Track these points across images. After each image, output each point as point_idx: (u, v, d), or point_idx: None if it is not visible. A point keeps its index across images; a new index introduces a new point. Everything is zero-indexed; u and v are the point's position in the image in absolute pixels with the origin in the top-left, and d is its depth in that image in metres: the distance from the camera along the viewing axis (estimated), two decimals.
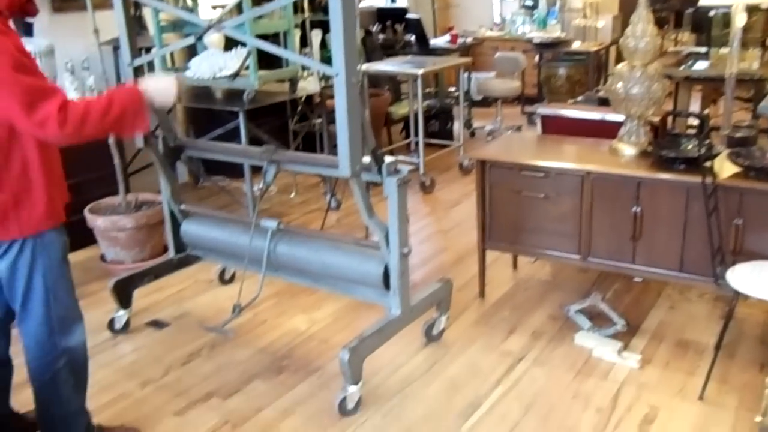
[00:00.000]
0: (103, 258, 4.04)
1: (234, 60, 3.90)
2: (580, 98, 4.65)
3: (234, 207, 4.60)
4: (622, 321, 3.10)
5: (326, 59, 3.27)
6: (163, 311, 3.52)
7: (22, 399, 2.46)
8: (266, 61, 4.15)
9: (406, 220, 2.71)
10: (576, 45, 7.30)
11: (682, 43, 6.50)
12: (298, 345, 3.17)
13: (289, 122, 5.42)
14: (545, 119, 3.80)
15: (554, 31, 7.77)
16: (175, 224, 3.42)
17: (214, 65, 3.92)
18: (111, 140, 3.84)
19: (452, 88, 7.29)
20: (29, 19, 3.38)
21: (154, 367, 3.02)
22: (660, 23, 3.61)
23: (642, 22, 2.98)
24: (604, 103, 3.90)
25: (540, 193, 3.18)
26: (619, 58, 6.69)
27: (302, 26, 4.63)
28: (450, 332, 3.19)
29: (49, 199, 2.13)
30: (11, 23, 2.07)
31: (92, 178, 4.17)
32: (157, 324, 3.40)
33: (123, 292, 3.29)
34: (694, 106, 5.62)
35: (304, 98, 5.22)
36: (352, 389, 2.63)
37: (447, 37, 7.73)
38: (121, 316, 3.31)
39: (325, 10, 3.26)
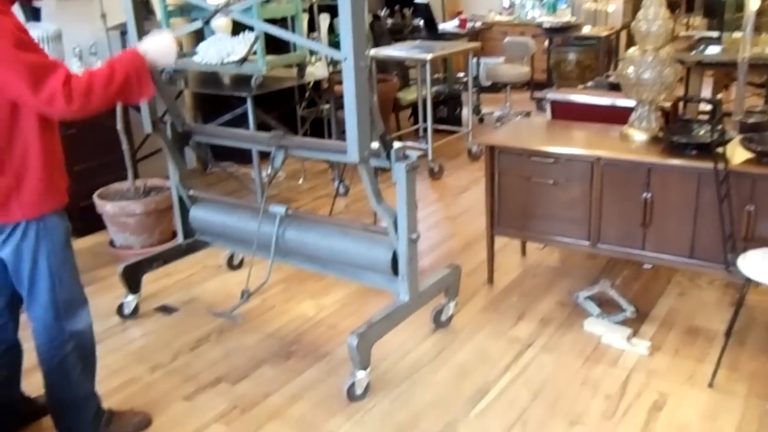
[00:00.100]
0: (112, 243, 4.05)
1: (242, 45, 3.88)
2: (590, 83, 4.61)
3: (242, 193, 4.60)
4: (632, 308, 3.08)
5: (334, 44, 3.26)
6: (171, 296, 3.53)
7: (33, 383, 2.47)
8: (274, 46, 4.13)
9: (414, 206, 2.70)
10: (586, 29, 7.24)
11: (694, 27, 6.44)
12: (307, 330, 3.18)
13: (297, 108, 5.40)
14: (555, 105, 3.77)
15: (564, 16, 7.71)
16: (183, 210, 3.42)
17: (221, 50, 3.90)
18: (119, 126, 3.84)
19: (461, 74, 7.25)
20: (37, 4, 3.40)
21: (163, 352, 3.03)
22: (672, 7, 3.56)
23: (654, 6, 2.95)
24: (614, 88, 3.86)
25: (549, 179, 3.16)
26: (630, 43, 6.62)
27: (310, 10, 4.60)
28: (458, 318, 3.19)
29: (51, 181, 2.13)
30: (17, 7, 2.06)
31: (101, 163, 4.18)
32: (165, 309, 3.41)
33: (132, 278, 3.30)
34: (706, 92, 5.57)
35: (312, 84, 5.20)
36: (361, 375, 2.63)
37: (456, 22, 7.67)
38: (130, 301, 3.32)
39: None
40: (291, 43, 4.31)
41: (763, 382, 2.63)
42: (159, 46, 2.25)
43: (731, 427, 2.43)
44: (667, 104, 3.29)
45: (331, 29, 4.89)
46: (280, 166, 2.96)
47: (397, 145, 2.65)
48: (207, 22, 3.02)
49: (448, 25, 7.65)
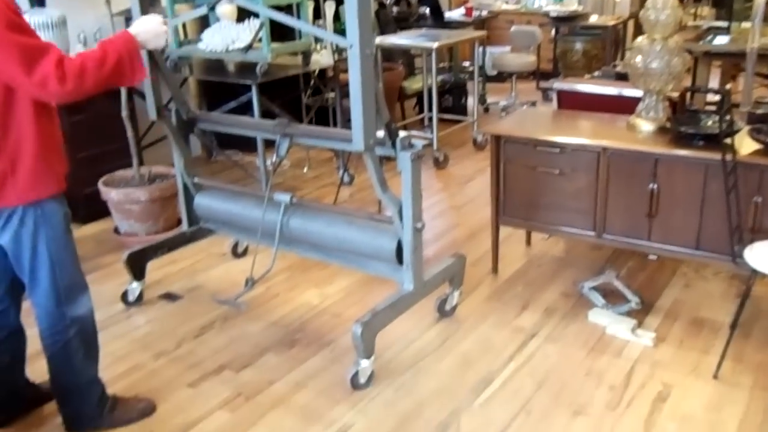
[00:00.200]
0: (116, 230, 4.05)
1: (247, 32, 3.87)
2: (597, 73, 4.59)
3: (247, 181, 4.59)
4: (637, 299, 3.08)
5: (340, 32, 3.24)
6: (176, 284, 3.54)
7: (37, 369, 2.47)
8: (279, 33, 4.12)
9: (419, 195, 2.69)
10: (593, 19, 7.19)
11: (702, 17, 6.38)
12: (311, 319, 3.18)
13: (302, 96, 5.38)
14: (561, 94, 3.75)
15: (571, 5, 7.66)
16: (188, 197, 3.42)
17: (226, 37, 3.89)
18: (124, 113, 3.83)
19: (466, 63, 7.21)
20: None
21: (167, 340, 3.03)
22: None
23: None
24: (621, 78, 3.84)
25: (555, 169, 3.14)
26: (637, 33, 6.58)
27: None
28: (462, 308, 3.18)
29: (47, 166, 2.12)
30: None
31: (106, 150, 4.17)
32: (170, 297, 3.42)
33: (136, 265, 3.30)
34: (713, 83, 5.53)
35: (317, 72, 5.18)
36: (365, 363, 2.63)
37: (462, 10, 7.62)
38: (135, 288, 3.32)
39: None
40: (296, 31, 4.29)
41: None
42: (149, 28, 2.25)
43: (736, 418, 2.43)
44: (675, 94, 3.27)
45: (337, 17, 4.87)
46: (285, 154, 2.95)
47: (402, 134, 2.64)
48: (212, 9, 3.02)
49: (454, 14, 7.61)
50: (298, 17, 4.09)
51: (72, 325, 2.27)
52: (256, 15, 3.89)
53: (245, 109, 4.29)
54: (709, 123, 2.95)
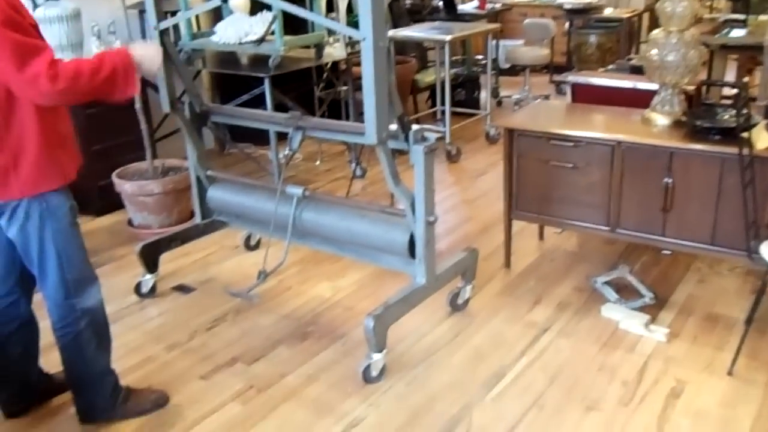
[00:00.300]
0: (130, 222, 4.07)
1: (259, 24, 3.87)
2: (611, 66, 4.55)
3: (260, 174, 4.60)
4: (650, 294, 3.06)
5: (353, 24, 3.22)
6: (189, 276, 3.55)
7: (52, 360, 2.49)
8: (292, 26, 4.11)
9: (432, 189, 2.68)
10: (608, 11, 7.12)
11: (718, 10, 6.31)
12: (323, 312, 3.18)
13: (315, 89, 5.38)
14: (576, 87, 3.72)
15: None
16: (201, 190, 3.42)
17: (239, 30, 3.89)
18: (138, 105, 3.84)
19: (479, 56, 7.17)
20: None
21: (180, 331, 3.05)
22: None
23: None
24: (636, 71, 3.80)
25: (569, 163, 3.12)
26: (652, 26, 6.52)
27: None
28: (475, 302, 3.18)
29: (51, 159, 2.11)
30: None
31: (120, 143, 4.19)
32: (183, 289, 3.43)
33: (150, 257, 3.32)
34: (729, 76, 5.47)
35: (329, 65, 5.17)
36: (377, 357, 2.63)
37: (475, 3, 7.58)
38: (148, 280, 3.34)
39: None
40: (309, 23, 4.28)
41: None
42: (147, 52, 2.24)
43: (750, 416, 2.41)
44: (691, 88, 3.24)
45: (350, 9, 4.85)
46: (298, 147, 2.95)
47: (415, 127, 2.63)
48: (225, 1, 3.01)
49: (467, 6, 7.56)
50: (311, 9, 4.08)
51: (82, 317, 2.29)
52: (269, 7, 3.88)
53: (258, 102, 4.29)
54: (726, 117, 2.92)
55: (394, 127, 2.60)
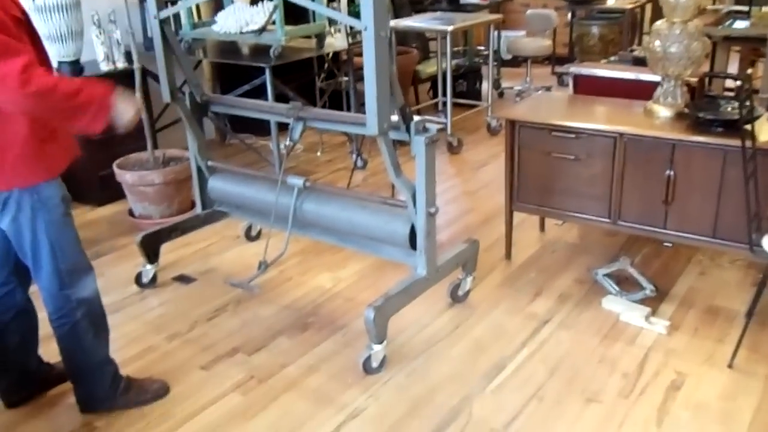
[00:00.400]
0: (131, 213, 4.07)
1: (260, 14, 3.85)
2: (613, 58, 4.52)
3: (260, 164, 4.60)
4: (651, 286, 3.05)
5: (354, 14, 3.21)
6: (189, 266, 3.55)
7: (52, 350, 2.49)
8: (293, 16, 4.09)
9: (433, 180, 2.68)
10: (610, 2, 7.08)
11: (721, 1, 6.28)
12: (323, 303, 3.18)
13: (316, 79, 5.36)
14: (578, 79, 3.70)
15: None
16: (202, 180, 3.42)
17: (240, 19, 3.88)
18: (138, 95, 3.83)
19: (481, 47, 7.15)
20: None
21: (180, 322, 3.05)
22: None
23: None
24: (639, 63, 3.79)
25: (570, 155, 3.11)
26: (655, 17, 6.49)
27: None
28: (475, 293, 3.18)
29: (40, 152, 2.09)
30: None
31: (120, 133, 4.17)
32: (183, 279, 3.43)
33: (150, 247, 3.32)
34: (732, 68, 5.45)
35: (331, 55, 5.15)
36: (377, 348, 2.63)
37: None
38: (149, 270, 3.34)
39: None
40: (310, 13, 4.27)
41: None
42: (126, 105, 2.16)
43: (750, 408, 2.41)
44: (694, 80, 3.22)
45: (351, 0, 4.83)
46: (299, 137, 2.94)
47: (416, 118, 2.62)
48: None
49: None
50: None
51: (78, 307, 2.28)
52: None
53: (259, 92, 4.28)
54: (728, 109, 2.90)
55: (395, 118, 2.59)
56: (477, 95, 6.34)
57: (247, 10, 3.91)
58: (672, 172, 2.88)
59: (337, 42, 4.64)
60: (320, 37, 4.36)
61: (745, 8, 5.14)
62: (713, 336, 2.82)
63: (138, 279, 3.34)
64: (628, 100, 3.30)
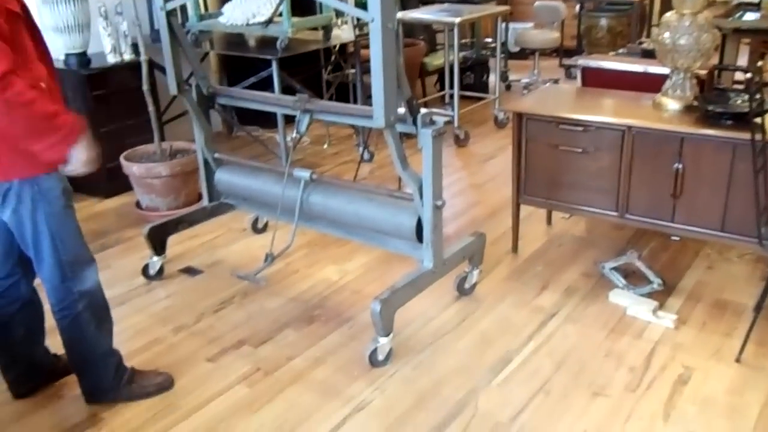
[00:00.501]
0: (138, 205, 4.08)
1: (267, 6, 3.84)
2: (622, 50, 4.49)
3: (267, 157, 4.59)
4: (659, 280, 3.04)
5: (361, 5, 3.19)
6: (196, 259, 3.56)
7: (58, 341, 2.50)
8: (300, 7, 4.08)
9: (440, 173, 2.67)
10: None
11: None
12: (330, 295, 3.18)
13: (323, 72, 5.35)
14: (586, 71, 3.68)
15: None
16: (209, 172, 3.42)
17: (247, 11, 3.86)
18: (145, 87, 3.83)
19: (489, 39, 7.11)
20: None
21: (187, 314, 3.05)
22: None
23: None
24: (647, 55, 3.76)
25: (578, 148, 3.10)
26: (664, 9, 6.43)
27: None
28: (482, 286, 3.17)
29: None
30: None
31: (128, 125, 4.19)
32: (190, 271, 3.44)
33: (157, 239, 3.32)
34: (742, 61, 5.40)
35: (338, 47, 5.13)
36: (383, 341, 2.63)
37: None
38: (155, 262, 3.34)
39: None
40: (317, 5, 4.25)
41: None
42: (89, 143, 2.11)
43: (758, 403, 2.40)
44: (703, 72, 3.20)
45: None
46: (305, 130, 2.94)
47: (423, 111, 2.61)
48: None
49: None
50: None
51: (80, 299, 2.29)
52: None
53: (265, 84, 4.27)
54: (738, 102, 2.88)
55: (402, 110, 2.58)
56: (484, 88, 6.32)
57: (253, 2, 3.89)
58: (680, 166, 2.86)
59: (343, 34, 4.62)
60: (327, 29, 4.34)
61: (756, 0, 5.09)
62: (721, 330, 2.80)
63: (145, 271, 3.35)
64: (637, 93, 3.27)
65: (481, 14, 5.68)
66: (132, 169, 3.93)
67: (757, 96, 2.68)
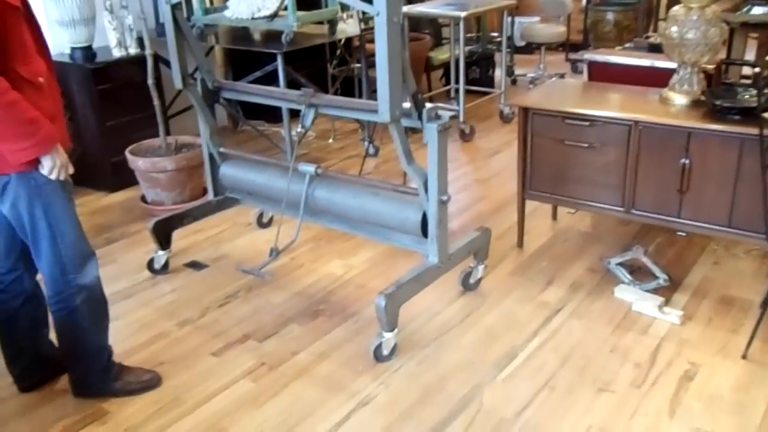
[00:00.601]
0: (143, 199, 4.08)
1: (272, 0, 3.83)
2: (629, 44, 4.47)
3: (272, 151, 4.59)
4: (664, 275, 3.03)
5: None
6: (201, 253, 3.56)
7: None
8: (305, 2, 4.07)
9: (445, 168, 2.66)
10: None
11: None
12: (335, 290, 3.18)
13: (328, 66, 5.34)
14: (592, 66, 3.66)
15: None
16: (214, 167, 3.42)
17: (252, 5, 3.86)
18: (150, 81, 3.83)
19: (494, 33, 7.08)
20: None
21: (192, 308, 3.06)
22: None
23: None
24: (654, 49, 3.74)
25: (584, 143, 3.08)
26: (671, 3, 6.40)
27: None
28: (487, 282, 3.16)
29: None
30: None
31: (133, 119, 4.19)
32: (195, 265, 3.44)
33: (162, 233, 3.32)
34: (749, 55, 5.37)
35: (343, 41, 5.12)
36: (388, 336, 2.63)
37: None
38: (161, 256, 3.35)
39: None
40: None
41: None
42: (60, 152, 2.11)
43: (764, 399, 2.39)
44: (710, 67, 3.18)
45: None
46: (310, 124, 2.93)
47: (428, 105, 2.60)
48: None
49: None
50: None
51: (79, 293, 2.28)
52: None
53: (271, 78, 4.27)
54: (746, 96, 2.86)
55: (407, 105, 2.57)
56: (490, 82, 6.29)
57: None
58: (687, 161, 2.85)
59: (349, 28, 4.61)
60: (332, 23, 4.33)
61: None
62: (727, 326, 2.79)
63: (150, 265, 3.35)
64: (643, 88, 3.26)
65: (487, 8, 5.65)
66: (137, 163, 3.94)
67: (765, 91, 2.67)
